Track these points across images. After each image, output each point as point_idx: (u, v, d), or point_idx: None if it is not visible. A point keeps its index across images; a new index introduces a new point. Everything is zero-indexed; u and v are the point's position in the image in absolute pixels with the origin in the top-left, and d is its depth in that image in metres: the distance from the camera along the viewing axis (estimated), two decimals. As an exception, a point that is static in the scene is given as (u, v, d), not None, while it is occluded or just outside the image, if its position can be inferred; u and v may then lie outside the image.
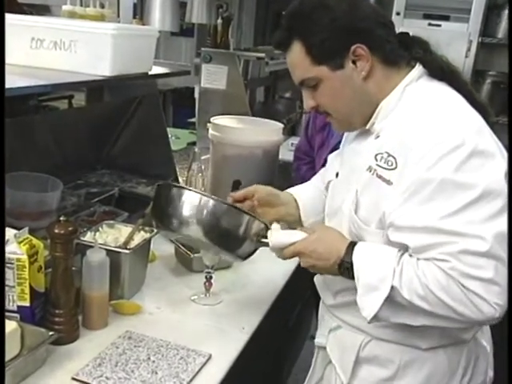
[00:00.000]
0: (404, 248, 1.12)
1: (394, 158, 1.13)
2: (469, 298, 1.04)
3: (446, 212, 1.04)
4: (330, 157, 1.52)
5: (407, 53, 1.22)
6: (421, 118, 1.13)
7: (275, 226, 1.34)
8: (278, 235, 1.30)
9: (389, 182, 1.13)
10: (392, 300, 1.11)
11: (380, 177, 1.15)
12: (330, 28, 1.16)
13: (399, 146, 1.13)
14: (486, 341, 1.29)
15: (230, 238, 1.30)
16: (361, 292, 1.14)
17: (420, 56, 1.21)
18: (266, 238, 1.31)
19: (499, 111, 4.12)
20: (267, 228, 1.33)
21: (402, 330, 1.20)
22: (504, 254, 1.04)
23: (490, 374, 1.33)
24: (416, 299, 1.08)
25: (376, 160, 1.16)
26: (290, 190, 1.56)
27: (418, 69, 1.21)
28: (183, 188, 1.34)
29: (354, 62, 1.17)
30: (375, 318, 1.13)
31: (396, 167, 1.12)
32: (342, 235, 1.24)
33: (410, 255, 1.11)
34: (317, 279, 1.40)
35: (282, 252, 1.28)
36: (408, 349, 1.22)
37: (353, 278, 1.15)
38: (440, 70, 1.20)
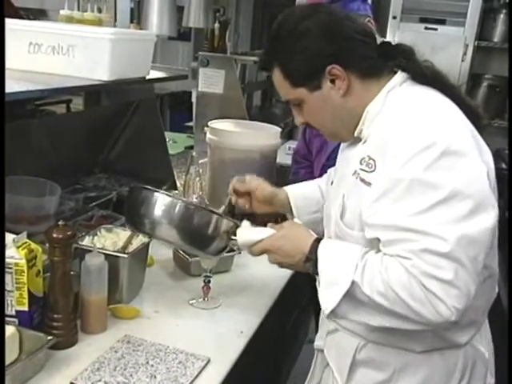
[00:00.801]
0: (377, 246, 1.13)
1: (374, 160, 1.15)
2: (428, 298, 1.04)
3: (414, 210, 1.05)
4: (331, 169, 1.55)
5: (390, 63, 1.23)
6: (399, 121, 1.14)
7: (245, 224, 1.38)
8: (245, 233, 1.35)
9: (368, 184, 1.15)
10: (352, 295, 1.12)
11: (362, 180, 1.17)
12: (304, 54, 1.20)
13: (378, 149, 1.15)
14: (483, 347, 1.29)
15: (201, 237, 1.37)
16: (322, 286, 1.16)
17: (403, 65, 1.23)
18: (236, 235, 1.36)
19: (495, 114, 4.14)
20: (237, 226, 1.37)
21: (396, 334, 1.19)
22: (466, 259, 1.03)
23: (491, 380, 1.32)
24: (376, 296, 1.08)
25: (360, 164, 1.19)
26: (286, 187, 1.60)
27: (401, 75, 1.22)
28: (153, 191, 1.37)
29: (332, 81, 1.20)
30: (333, 312, 1.15)
31: (375, 169, 1.14)
32: (309, 231, 1.26)
33: (377, 252, 1.12)
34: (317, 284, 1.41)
35: (251, 249, 1.31)
36: (403, 352, 1.22)
37: (318, 273, 1.17)
38: (423, 76, 1.21)
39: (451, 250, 1.02)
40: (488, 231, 1.06)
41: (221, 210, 1.49)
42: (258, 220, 1.48)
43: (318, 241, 1.21)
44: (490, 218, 1.07)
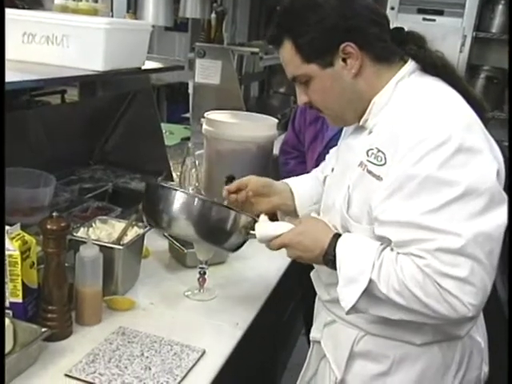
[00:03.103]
0: (388, 242, 1.12)
1: (384, 153, 1.13)
2: (443, 297, 1.04)
3: (428, 208, 1.05)
4: (331, 151, 1.53)
5: (400, 49, 1.22)
6: (410, 114, 1.13)
7: (263, 218, 1.37)
8: (264, 227, 1.34)
9: (379, 178, 1.13)
10: (370, 293, 1.12)
11: (370, 172, 1.15)
12: (319, 27, 1.17)
13: (388, 142, 1.13)
14: (480, 336, 1.30)
15: (219, 233, 1.36)
16: (341, 283, 1.15)
17: (414, 52, 1.21)
18: (254, 230, 1.35)
19: (493, 106, 4.14)
20: (255, 221, 1.37)
21: (396, 326, 1.20)
22: (482, 256, 1.03)
23: (485, 369, 1.33)
24: (392, 294, 1.09)
25: (367, 155, 1.17)
26: (287, 180, 1.58)
27: (411, 64, 1.21)
28: (173, 189, 1.37)
29: (344, 60, 1.17)
30: (353, 309, 1.15)
31: (385, 163, 1.13)
32: (328, 226, 1.25)
33: (392, 249, 1.12)
34: (313, 275, 1.41)
35: (270, 244, 1.31)
36: (402, 344, 1.22)
37: (336, 269, 1.17)
38: (433, 67, 1.20)
39: (465, 245, 1.02)
40: (502, 226, 1.07)
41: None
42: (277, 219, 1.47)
43: (336, 236, 1.20)
44: (503, 213, 1.07)
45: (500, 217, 1.06)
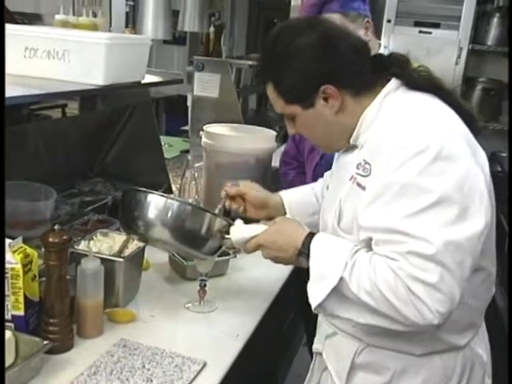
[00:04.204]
0: (370, 246, 1.14)
1: (370, 164, 1.16)
2: (411, 300, 1.05)
3: (405, 213, 1.06)
4: (325, 174, 1.56)
5: (383, 74, 1.24)
6: (393, 125, 1.16)
7: (238, 222, 1.39)
8: (239, 230, 1.36)
9: (364, 188, 1.16)
10: (339, 292, 1.13)
11: (359, 185, 1.18)
12: (298, 74, 1.21)
13: (374, 153, 1.16)
14: (481, 349, 1.29)
15: (195, 236, 1.38)
16: (311, 280, 1.17)
17: (397, 74, 1.23)
18: (229, 234, 1.37)
19: (489, 117, 4.16)
20: (230, 225, 1.39)
21: (395, 337, 1.20)
22: (452, 264, 1.04)
23: (488, 382, 1.33)
24: (363, 294, 1.09)
25: (357, 169, 1.20)
26: (280, 192, 1.61)
27: (395, 82, 1.23)
28: (147, 192, 1.38)
29: (325, 99, 1.21)
30: (320, 306, 1.16)
31: (370, 173, 1.15)
32: (302, 226, 1.28)
33: (367, 251, 1.13)
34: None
35: (245, 246, 1.33)
36: (403, 355, 1.23)
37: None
38: (416, 86, 1.22)
39: (436, 253, 1.03)
40: (475, 237, 1.07)
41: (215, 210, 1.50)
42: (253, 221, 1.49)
43: (311, 235, 1.22)
44: (477, 224, 1.07)
45: (474, 227, 1.07)
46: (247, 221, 1.42)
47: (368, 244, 1.14)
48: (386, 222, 1.09)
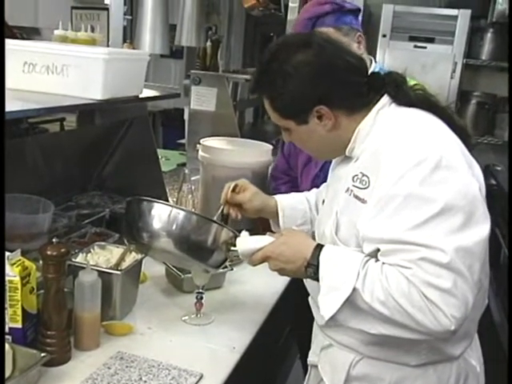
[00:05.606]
0: (376, 257, 1.14)
1: (368, 177, 1.17)
2: (427, 307, 1.06)
3: (411, 225, 1.08)
4: (321, 186, 1.58)
5: (378, 93, 1.26)
6: (390, 138, 1.17)
7: (244, 234, 1.38)
8: (245, 242, 1.35)
9: (363, 201, 1.17)
10: (352, 302, 1.13)
11: (356, 197, 1.19)
12: (291, 95, 1.23)
13: (371, 165, 1.17)
14: (475, 360, 1.30)
15: (200, 247, 1.36)
16: (323, 291, 1.17)
17: (392, 94, 1.25)
18: (236, 246, 1.36)
19: (484, 131, 4.20)
20: (236, 236, 1.38)
21: (390, 347, 1.21)
22: (464, 269, 1.06)
23: None
24: (376, 304, 1.10)
25: (353, 181, 1.21)
26: (276, 196, 1.63)
27: (388, 97, 1.25)
28: (152, 201, 1.38)
29: (318, 117, 1.23)
30: (333, 318, 1.16)
31: (369, 186, 1.17)
32: (309, 238, 1.29)
33: (377, 260, 1.14)
34: (310, 300, 1.42)
35: (251, 258, 1.32)
36: (398, 366, 1.23)
37: (318, 280, 1.18)
38: (411, 105, 1.24)
39: (450, 261, 1.05)
40: (482, 242, 1.09)
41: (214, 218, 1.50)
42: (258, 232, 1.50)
43: (319, 247, 1.22)
44: (483, 229, 1.10)
45: (480, 232, 1.09)
46: (253, 232, 1.42)
47: (374, 256, 1.15)
48: (392, 233, 1.10)
